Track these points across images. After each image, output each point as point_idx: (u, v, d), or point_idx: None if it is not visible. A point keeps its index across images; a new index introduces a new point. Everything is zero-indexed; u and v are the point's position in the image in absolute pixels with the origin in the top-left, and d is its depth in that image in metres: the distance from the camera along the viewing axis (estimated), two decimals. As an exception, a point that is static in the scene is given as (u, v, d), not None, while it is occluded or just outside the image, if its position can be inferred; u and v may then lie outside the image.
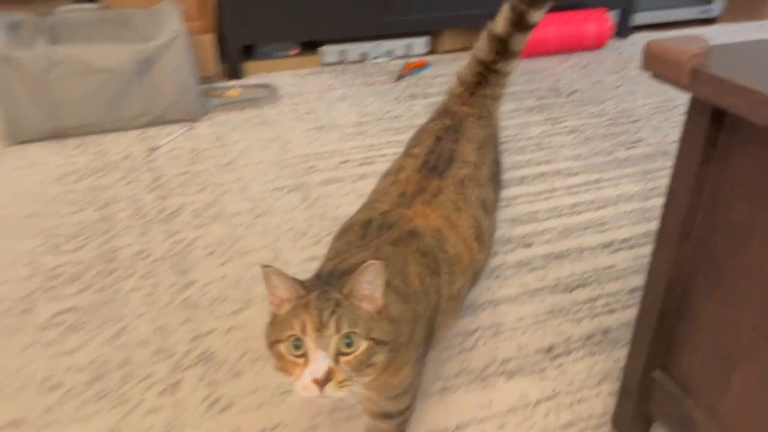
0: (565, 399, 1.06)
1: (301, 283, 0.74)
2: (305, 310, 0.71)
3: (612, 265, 1.39)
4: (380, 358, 0.73)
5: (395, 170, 1.03)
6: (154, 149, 1.86)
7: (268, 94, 2.23)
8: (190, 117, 2.02)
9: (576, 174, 1.75)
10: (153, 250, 1.42)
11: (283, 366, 0.72)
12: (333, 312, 0.70)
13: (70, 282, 1.32)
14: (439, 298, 0.90)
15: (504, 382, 1.09)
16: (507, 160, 1.81)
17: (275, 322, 0.74)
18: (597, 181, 1.72)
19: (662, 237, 0.84)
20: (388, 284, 0.76)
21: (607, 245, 1.45)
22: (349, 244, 0.89)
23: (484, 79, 1.12)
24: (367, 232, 0.90)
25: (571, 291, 1.31)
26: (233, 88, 2.25)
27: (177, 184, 1.68)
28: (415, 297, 0.84)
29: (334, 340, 0.70)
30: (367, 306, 0.73)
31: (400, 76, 2.40)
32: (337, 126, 2.02)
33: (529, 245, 1.45)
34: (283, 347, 0.71)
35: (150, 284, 1.31)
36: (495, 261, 1.39)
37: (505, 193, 1.65)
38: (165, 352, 1.14)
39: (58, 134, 1.90)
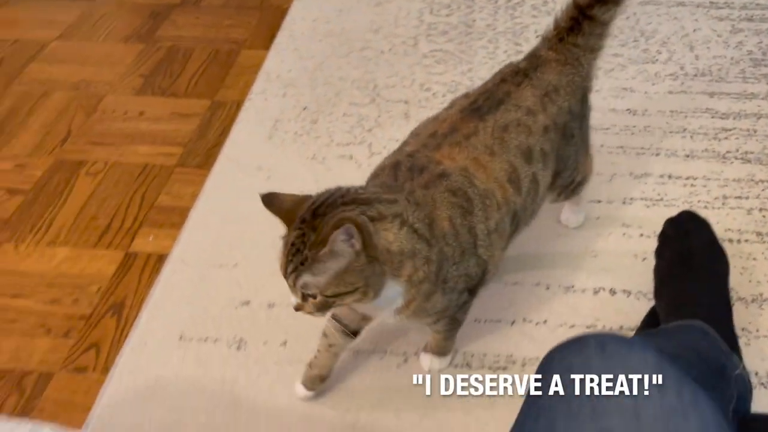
0: (786, 187, 1.35)
1: (289, 219, 0.78)
2: (282, 252, 0.78)
3: None
4: (348, 300, 0.78)
5: (444, 108, 1.01)
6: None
7: None
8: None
9: None
10: (498, 26, 1.92)
11: None
12: (294, 269, 0.76)
13: (441, 34, 1.90)
14: (474, 236, 0.89)
15: (740, 164, 1.41)
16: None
17: None
18: None
19: None
20: (410, 227, 0.80)
21: None
22: (383, 186, 0.87)
23: (578, 25, 1.02)
24: (398, 174, 0.89)
25: (838, 123, 1.49)
26: None
27: (524, -17, 2.13)
28: (444, 239, 0.85)
29: (296, 288, 0.78)
30: (333, 263, 0.74)
31: None
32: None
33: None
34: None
35: (492, 46, 1.83)
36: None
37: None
38: (496, 87, 1.68)
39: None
